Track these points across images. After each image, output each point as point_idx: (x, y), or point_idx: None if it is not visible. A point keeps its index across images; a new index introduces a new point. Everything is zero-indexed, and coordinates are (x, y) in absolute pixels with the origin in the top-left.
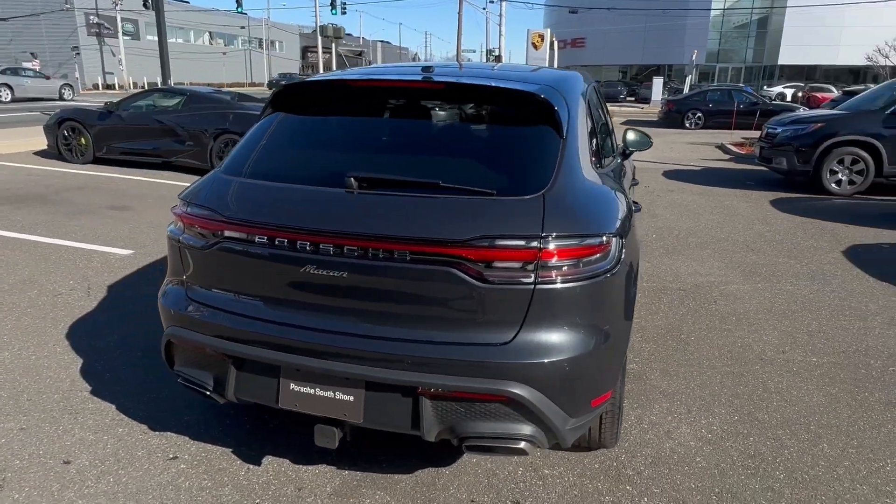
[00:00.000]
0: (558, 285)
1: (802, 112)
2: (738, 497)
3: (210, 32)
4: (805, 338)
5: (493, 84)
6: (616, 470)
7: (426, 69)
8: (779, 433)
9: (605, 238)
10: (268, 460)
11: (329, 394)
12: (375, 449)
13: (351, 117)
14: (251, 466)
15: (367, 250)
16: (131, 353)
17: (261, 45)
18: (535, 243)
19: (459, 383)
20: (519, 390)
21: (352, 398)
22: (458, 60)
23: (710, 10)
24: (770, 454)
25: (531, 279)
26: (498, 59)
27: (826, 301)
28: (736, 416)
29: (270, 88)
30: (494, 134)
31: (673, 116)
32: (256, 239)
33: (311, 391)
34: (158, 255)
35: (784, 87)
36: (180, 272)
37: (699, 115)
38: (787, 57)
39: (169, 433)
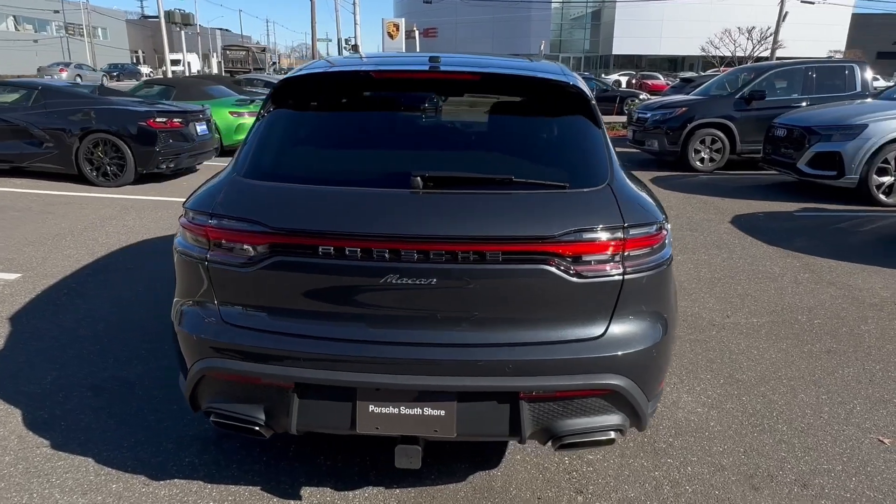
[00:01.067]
0: (640, 274)
1: (668, 98)
2: (761, 452)
3: (14, 16)
4: (738, 301)
5: (530, 74)
6: (650, 445)
7: (433, 59)
8: (762, 390)
9: (662, 225)
10: (307, 492)
11: (416, 411)
12: None
13: (383, 111)
14: (293, 503)
15: (455, 254)
16: (79, 395)
17: (81, 32)
18: (619, 234)
19: (563, 382)
20: (618, 381)
21: (442, 412)
22: (313, 51)
23: (551, 2)
24: (766, 410)
25: (620, 270)
26: (355, 48)
27: (739, 267)
28: (721, 380)
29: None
30: (542, 125)
31: None
32: (321, 250)
33: (395, 411)
34: (55, 276)
35: (619, 75)
36: (204, 293)
37: None
38: (619, 47)
39: (176, 480)
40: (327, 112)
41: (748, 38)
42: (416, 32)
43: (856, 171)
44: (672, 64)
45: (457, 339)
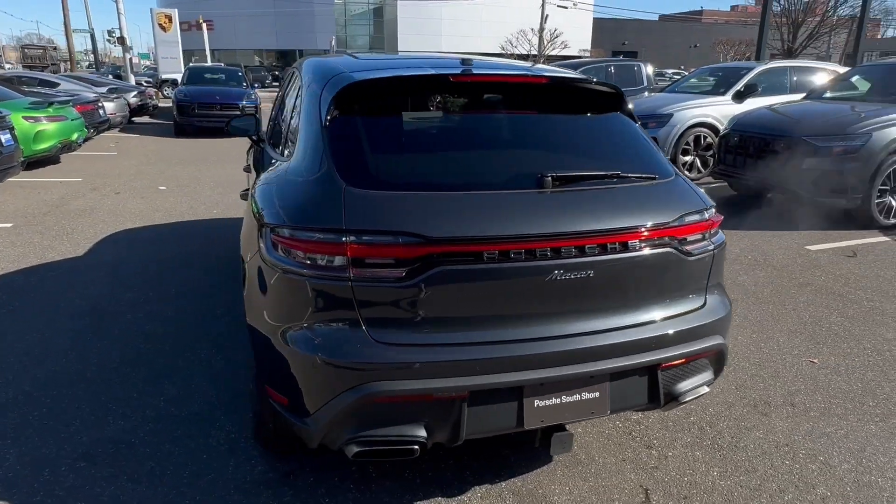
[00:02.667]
0: (718, 250)
1: None
2: (747, 386)
3: None
4: None
5: (582, 77)
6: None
7: (465, 62)
8: None
9: (715, 208)
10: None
11: (575, 397)
12: (488, 454)
13: (472, 115)
14: None
15: (605, 246)
16: (71, 468)
17: None
18: (706, 215)
19: (692, 348)
20: (722, 341)
21: (597, 394)
22: (69, 45)
23: None
24: (740, 353)
25: (712, 247)
26: (121, 40)
27: None
28: None
29: None
30: (606, 124)
31: None
32: (486, 256)
33: (558, 401)
34: None
35: None
36: (338, 315)
37: None
38: (404, 44)
39: None
40: (419, 116)
41: (539, 38)
42: (204, 26)
43: (668, 153)
44: None
45: (609, 324)
